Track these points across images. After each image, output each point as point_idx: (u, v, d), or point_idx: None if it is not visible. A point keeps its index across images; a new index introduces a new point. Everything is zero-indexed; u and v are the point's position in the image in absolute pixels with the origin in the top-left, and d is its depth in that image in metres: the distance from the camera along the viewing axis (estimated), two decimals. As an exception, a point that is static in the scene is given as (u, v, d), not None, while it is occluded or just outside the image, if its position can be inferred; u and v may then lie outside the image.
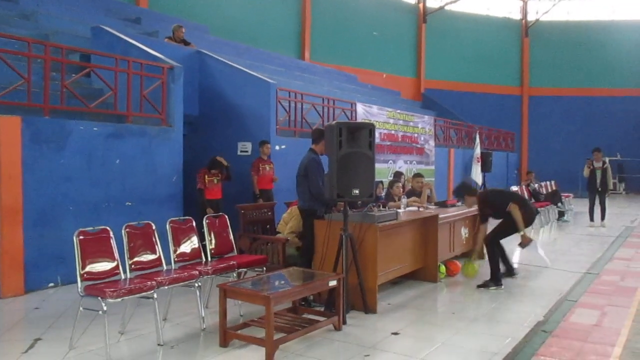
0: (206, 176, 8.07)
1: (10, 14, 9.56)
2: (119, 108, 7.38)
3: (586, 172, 12.35)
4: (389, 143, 12.71)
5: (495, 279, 6.44)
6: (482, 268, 6.95)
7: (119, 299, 4.17)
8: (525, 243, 6.47)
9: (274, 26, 18.52)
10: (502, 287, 6.39)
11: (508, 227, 6.55)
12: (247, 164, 8.86)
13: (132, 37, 8.92)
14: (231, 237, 5.84)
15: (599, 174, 12.18)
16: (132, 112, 7.46)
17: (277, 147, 9.32)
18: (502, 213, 6.47)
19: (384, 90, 19.74)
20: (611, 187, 13.21)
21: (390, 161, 12.72)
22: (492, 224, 6.87)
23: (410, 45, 24.08)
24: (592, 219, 12.57)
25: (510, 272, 6.91)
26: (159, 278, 4.56)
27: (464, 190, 6.81)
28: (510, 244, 6.85)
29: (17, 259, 5.99)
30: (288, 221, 6.55)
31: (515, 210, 6.35)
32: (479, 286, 6.45)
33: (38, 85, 6.66)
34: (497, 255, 6.55)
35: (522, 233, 6.38)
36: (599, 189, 12.25)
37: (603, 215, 12.41)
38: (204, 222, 5.63)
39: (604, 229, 11.99)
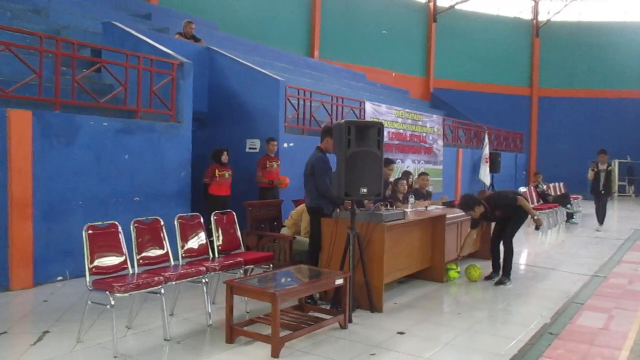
0: (217, 170, 8.09)
1: (22, 8, 9.63)
2: (128, 103, 7.42)
3: (590, 174, 12.07)
4: (397, 142, 12.70)
5: (508, 274, 6.77)
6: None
7: (127, 294, 4.19)
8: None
9: (284, 23, 18.53)
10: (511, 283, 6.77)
11: (519, 222, 6.95)
12: (256, 161, 8.88)
13: (143, 33, 8.96)
14: (238, 233, 5.86)
15: (602, 176, 12.00)
16: (142, 108, 7.50)
17: (285, 145, 9.33)
18: (512, 209, 6.81)
19: (392, 89, 19.71)
20: (615, 190, 12.99)
21: (398, 160, 12.70)
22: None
23: (419, 44, 24.00)
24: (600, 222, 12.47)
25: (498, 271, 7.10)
26: (167, 273, 4.58)
27: (472, 202, 6.85)
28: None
29: (26, 252, 6.05)
30: (296, 218, 6.56)
31: (524, 202, 6.80)
32: (496, 283, 6.69)
33: (49, 79, 6.71)
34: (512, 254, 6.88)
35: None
36: (602, 192, 12.08)
37: (602, 219, 12.24)
38: (212, 219, 5.65)
39: (609, 232, 11.84)
